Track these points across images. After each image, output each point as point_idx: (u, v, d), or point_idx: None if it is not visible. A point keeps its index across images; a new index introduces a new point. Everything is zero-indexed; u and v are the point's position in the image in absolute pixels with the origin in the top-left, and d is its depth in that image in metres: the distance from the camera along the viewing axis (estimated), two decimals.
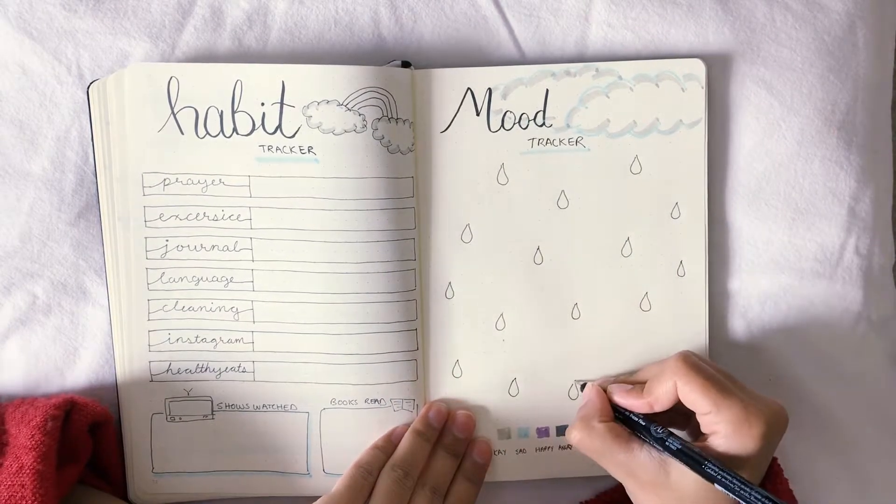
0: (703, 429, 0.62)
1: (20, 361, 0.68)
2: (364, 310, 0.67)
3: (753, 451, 0.59)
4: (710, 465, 0.59)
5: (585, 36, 0.69)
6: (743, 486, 0.58)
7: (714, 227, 0.70)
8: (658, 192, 0.68)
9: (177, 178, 0.66)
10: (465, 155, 0.68)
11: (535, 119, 0.68)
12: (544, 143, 0.68)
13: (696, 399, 0.60)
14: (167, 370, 0.68)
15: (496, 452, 0.70)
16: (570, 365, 0.69)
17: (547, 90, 0.68)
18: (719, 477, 0.58)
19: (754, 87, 0.69)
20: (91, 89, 0.66)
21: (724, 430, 0.60)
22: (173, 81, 0.66)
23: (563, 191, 0.68)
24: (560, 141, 0.68)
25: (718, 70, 0.69)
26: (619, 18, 0.69)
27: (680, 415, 0.64)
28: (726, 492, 0.58)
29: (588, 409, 0.65)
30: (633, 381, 0.67)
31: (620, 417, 0.65)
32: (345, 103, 0.65)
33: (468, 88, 0.67)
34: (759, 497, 0.57)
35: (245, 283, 0.67)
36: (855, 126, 0.70)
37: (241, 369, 0.68)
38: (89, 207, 0.68)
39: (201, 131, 0.66)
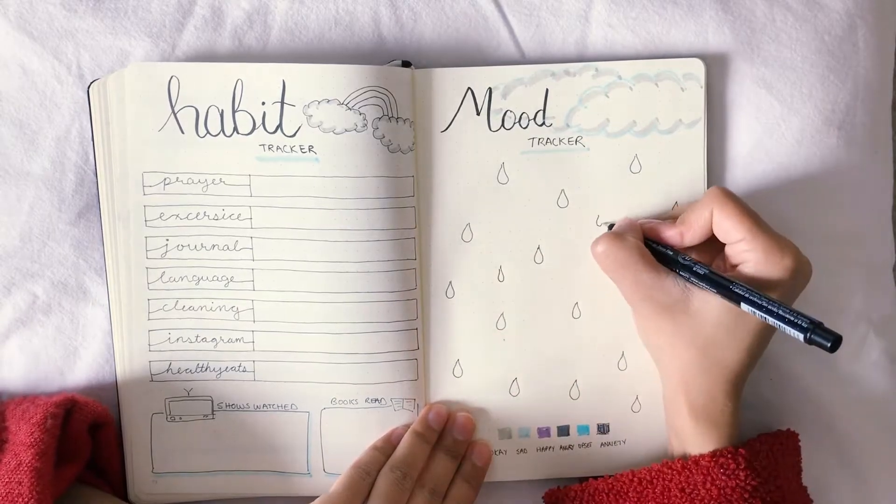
0: (733, 259, 0.63)
1: (20, 361, 0.68)
2: (364, 309, 0.67)
3: (783, 282, 0.60)
4: (738, 286, 0.59)
5: (585, 36, 0.69)
6: (770, 304, 0.58)
7: None
8: (658, 192, 0.68)
9: (177, 178, 0.66)
10: (465, 154, 0.68)
11: (535, 119, 0.68)
12: (544, 142, 0.68)
13: (732, 226, 0.61)
14: (167, 370, 0.68)
15: (497, 452, 0.70)
16: (571, 364, 0.69)
17: (547, 90, 0.68)
18: (747, 296, 0.59)
19: (754, 87, 0.69)
20: (91, 89, 0.66)
21: (756, 257, 0.61)
22: (174, 81, 0.66)
23: (562, 190, 0.68)
24: (560, 140, 0.68)
25: (718, 70, 0.69)
26: (619, 18, 0.69)
27: (705, 254, 0.65)
28: (753, 309, 0.58)
29: (621, 227, 0.66)
30: (666, 217, 0.68)
31: (650, 249, 0.65)
32: (345, 102, 0.65)
33: (468, 88, 0.68)
34: (787, 311, 0.57)
35: (245, 283, 0.67)
36: (855, 126, 0.70)
37: (241, 369, 0.68)
38: (89, 207, 0.68)
39: (202, 130, 0.66)
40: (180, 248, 0.67)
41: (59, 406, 0.64)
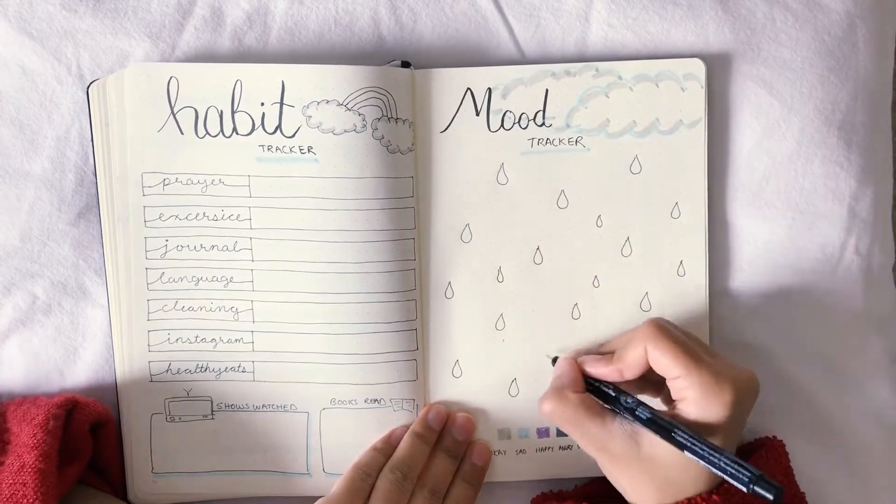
0: (674, 395, 0.61)
1: (20, 361, 0.68)
2: (364, 310, 0.67)
3: (724, 418, 0.59)
4: (680, 433, 0.58)
5: (585, 36, 0.69)
6: (713, 453, 0.57)
7: (714, 226, 0.70)
8: (658, 192, 0.68)
9: (176, 178, 0.66)
10: (464, 155, 0.68)
11: (534, 119, 0.68)
12: (544, 142, 0.68)
13: (667, 363, 0.60)
14: (167, 370, 0.68)
15: (496, 452, 0.70)
16: None
17: (546, 90, 0.68)
18: (689, 444, 0.58)
19: (754, 87, 0.69)
20: (91, 89, 0.66)
21: (694, 395, 0.59)
22: (173, 81, 0.66)
23: (562, 191, 0.68)
24: (560, 141, 0.68)
25: (718, 70, 0.69)
26: (620, 18, 0.69)
27: (651, 384, 0.65)
28: (696, 458, 0.58)
29: (561, 380, 0.65)
30: (604, 351, 0.67)
31: (592, 389, 0.64)
32: (344, 103, 0.65)
33: (468, 88, 0.67)
34: (729, 462, 0.56)
35: (245, 283, 0.67)
36: (855, 126, 0.70)
37: (240, 369, 0.68)
38: (89, 207, 0.68)
39: (201, 131, 0.66)
40: (180, 248, 0.67)
41: (61, 407, 0.64)
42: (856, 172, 0.70)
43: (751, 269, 0.70)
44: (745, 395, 0.60)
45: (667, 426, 0.59)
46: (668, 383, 0.61)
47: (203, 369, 0.68)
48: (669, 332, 0.61)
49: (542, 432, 0.70)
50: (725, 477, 0.57)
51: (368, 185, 0.66)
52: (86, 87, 0.67)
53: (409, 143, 0.67)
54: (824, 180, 0.70)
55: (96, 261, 0.68)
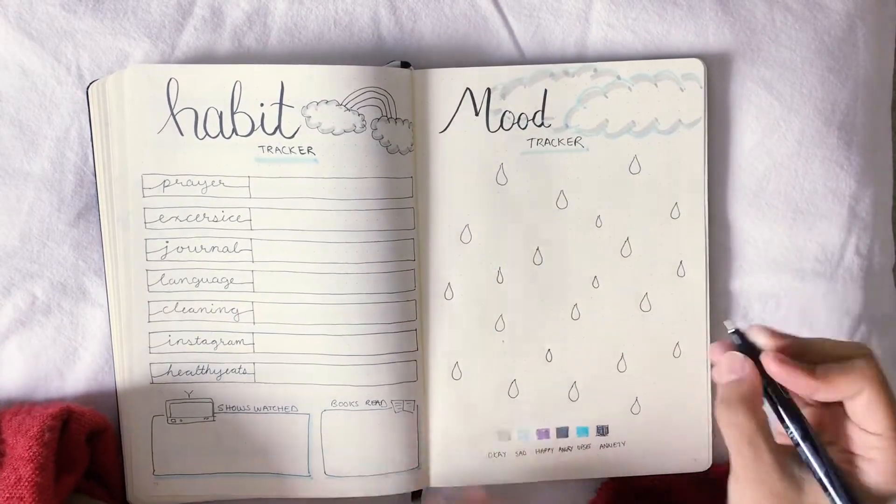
0: (856, 447, 0.55)
1: (20, 362, 0.68)
2: (363, 310, 0.67)
3: None
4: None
5: (585, 36, 0.69)
6: None
7: (714, 227, 0.70)
8: (657, 192, 0.68)
9: (176, 180, 0.66)
10: (464, 155, 0.68)
11: (533, 119, 0.68)
12: (543, 143, 0.68)
13: (879, 419, 0.54)
14: (167, 372, 0.68)
15: (496, 454, 0.70)
16: (570, 366, 0.69)
17: (545, 90, 0.68)
18: None
19: (754, 87, 0.69)
20: (91, 90, 0.66)
21: (884, 462, 0.54)
22: (172, 82, 0.66)
23: (562, 191, 0.68)
24: (559, 141, 0.68)
25: (718, 70, 0.69)
26: (619, 18, 0.69)
27: (814, 407, 0.59)
28: None
29: (754, 386, 0.56)
30: (804, 350, 0.57)
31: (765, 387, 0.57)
32: (344, 103, 0.65)
33: (467, 88, 0.67)
34: None
35: (245, 284, 0.67)
36: (855, 126, 0.70)
37: (241, 371, 0.68)
38: (89, 208, 0.68)
39: (201, 132, 0.66)
40: (180, 249, 0.67)
41: (56, 418, 0.63)
42: (856, 172, 0.70)
43: (751, 269, 0.70)
44: None
45: (845, 490, 0.53)
46: (857, 434, 0.55)
47: (204, 371, 0.68)
48: (888, 384, 0.55)
49: (542, 433, 0.70)
50: None
51: (368, 186, 0.66)
52: (85, 87, 0.67)
53: (408, 144, 0.67)
54: (824, 180, 0.70)
55: (96, 261, 0.68)
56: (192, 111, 0.66)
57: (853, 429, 0.56)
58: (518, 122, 0.68)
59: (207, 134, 0.66)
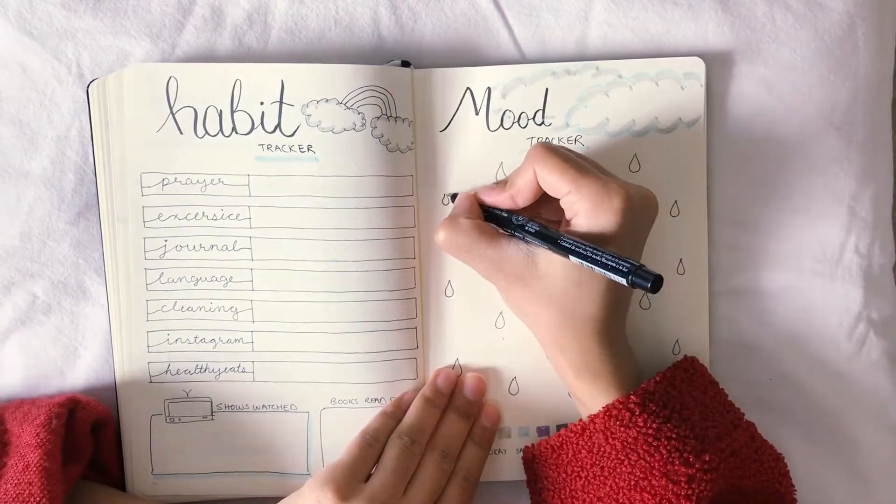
0: (567, 214, 0.61)
1: (20, 361, 0.68)
2: (364, 308, 0.67)
3: (615, 227, 0.59)
4: (566, 239, 0.59)
5: (585, 36, 0.69)
6: (595, 251, 0.57)
7: (714, 225, 0.70)
8: (657, 191, 0.67)
9: (175, 178, 0.66)
10: (464, 154, 0.68)
11: (534, 118, 0.68)
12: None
13: (555, 181, 0.60)
14: (166, 371, 0.68)
15: (496, 451, 0.69)
16: None
17: (546, 89, 0.68)
18: (573, 248, 0.58)
19: (754, 87, 0.69)
20: (91, 89, 0.66)
21: (584, 207, 0.60)
22: (172, 81, 0.66)
23: None
24: (559, 139, 0.68)
25: (718, 69, 0.69)
26: (619, 18, 0.69)
27: (551, 211, 0.64)
28: (580, 261, 0.58)
29: (455, 210, 0.65)
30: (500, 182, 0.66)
31: (488, 218, 0.65)
32: (343, 102, 0.65)
33: (467, 88, 0.68)
34: (610, 258, 0.57)
35: (244, 283, 0.67)
36: (855, 126, 0.70)
37: (240, 369, 0.68)
38: (89, 207, 0.68)
39: (200, 131, 0.66)
40: (179, 248, 0.67)
41: (63, 406, 0.64)
42: (855, 172, 0.70)
43: (750, 268, 0.70)
44: (638, 206, 0.60)
45: (553, 235, 0.60)
46: (561, 203, 0.61)
47: (202, 370, 0.68)
48: (557, 151, 0.61)
49: (543, 431, 0.70)
50: (607, 273, 0.57)
51: (368, 184, 0.66)
52: (86, 86, 0.67)
53: (408, 142, 0.67)
54: (824, 180, 0.70)
55: (96, 260, 0.68)
56: (192, 110, 0.66)
57: (563, 203, 0.61)
58: (518, 121, 0.68)
59: (207, 132, 0.66)
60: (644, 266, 0.56)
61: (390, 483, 0.62)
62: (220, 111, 0.66)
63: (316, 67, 0.65)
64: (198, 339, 0.68)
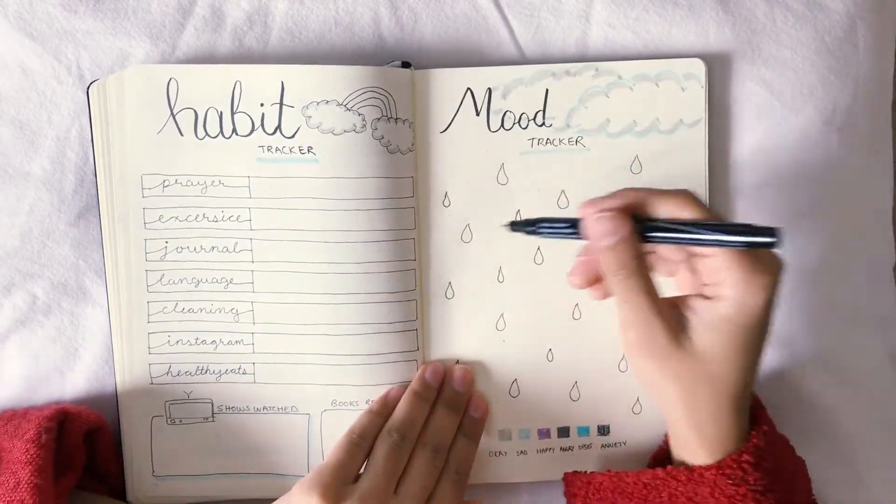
0: (705, 277, 0.58)
1: (20, 362, 0.68)
2: (364, 310, 0.67)
3: (764, 304, 0.56)
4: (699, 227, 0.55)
5: (586, 36, 0.69)
6: (727, 225, 0.55)
7: None
8: None
9: (176, 180, 0.66)
10: (464, 155, 0.68)
11: (534, 119, 0.68)
12: (544, 142, 0.68)
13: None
14: (167, 372, 0.68)
15: (497, 454, 0.69)
16: (571, 366, 0.69)
17: (547, 90, 0.68)
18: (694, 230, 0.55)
19: (755, 87, 0.69)
20: (91, 90, 0.66)
21: (734, 277, 0.56)
22: (172, 83, 0.66)
23: (563, 191, 0.68)
24: (560, 141, 0.68)
25: (719, 70, 0.69)
26: (620, 18, 0.69)
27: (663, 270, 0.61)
28: (708, 235, 0.55)
29: (625, 228, 0.58)
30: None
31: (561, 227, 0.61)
32: (344, 103, 0.65)
33: (468, 88, 0.67)
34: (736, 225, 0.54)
35: (245, 285, 0.67)
36: (855, 126, 0.70)
37: (241, 371, 0.68)
38: (89, 208, 0.68)
39: (201, 132, 0.66)
40: (179, 250, 0.67)
41: (52, 419, 0.63)
42: (856, 172, 0.70)
43: None
44: (780, 278, 0.57)
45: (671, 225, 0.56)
46: (700, 265, 0.58)
47: (203, 371, 0.68)
48: (703, 203, 0.57)
49: (543, 433, 0.70)
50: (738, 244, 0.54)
51: (368, 186, 0.66)
52: (86, 87, 0.67)
53: (409, 143, 0.67)
54: (825, 180, 0.70)
55: (96, 261, 0.68)
56: (192, 111, 0.66)
57: (700, 265, 0.58)
58: (519, 121, 0.68)
59: (207, 134, 0.66)
60: (754, 224, 0.54)
61: (381, 482, 0.62)
62: (221, 113, 0.66)
63: (316, 69, 0.65)
64: (198, 341, 0.68)
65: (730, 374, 0.57)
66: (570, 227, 0.59)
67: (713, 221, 0.55)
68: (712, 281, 0.57)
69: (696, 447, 0.59)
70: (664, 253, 0.61)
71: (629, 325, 0.58)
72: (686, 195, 0.57)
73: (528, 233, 0.60)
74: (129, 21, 0.67)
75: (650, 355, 0.58)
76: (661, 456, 0.66)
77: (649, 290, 0.57)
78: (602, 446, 0.70)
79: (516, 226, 0.61)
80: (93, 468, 0.68)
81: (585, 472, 0.65)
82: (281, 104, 0.66)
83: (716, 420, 0.58)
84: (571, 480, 0.66)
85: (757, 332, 0.57)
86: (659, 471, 0.61)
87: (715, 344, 0.57)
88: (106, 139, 0.66)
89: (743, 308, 0.56)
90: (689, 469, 0.59)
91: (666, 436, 0.65)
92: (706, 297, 0.57)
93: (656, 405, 0.61)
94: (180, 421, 0.68)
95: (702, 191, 0.68)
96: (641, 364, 0.59)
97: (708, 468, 0.58)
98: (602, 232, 0.57)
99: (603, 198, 0.58)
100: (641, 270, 0.57)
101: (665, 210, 0.57)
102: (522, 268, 0.69)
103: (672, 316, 0.58)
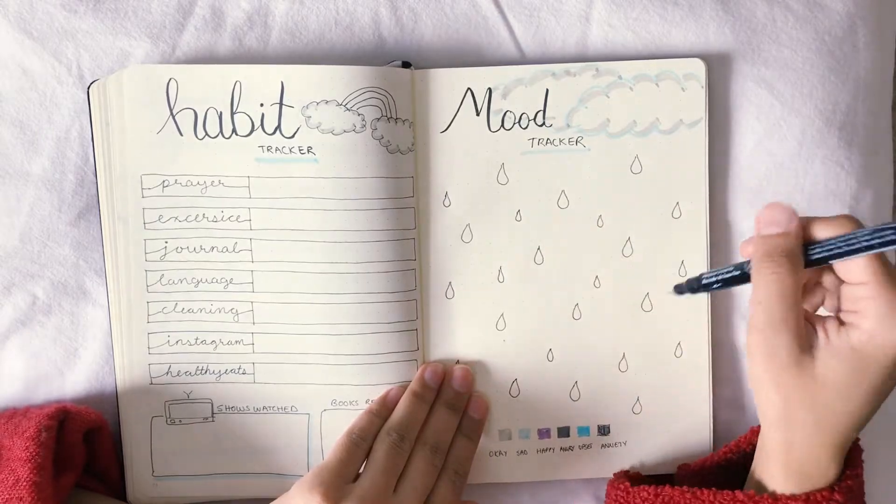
0: (845, 304, 0.56)
1: (20, 362, 0.68)
2: (364, 310, 0.67)
3: None
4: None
5: (586, 36, 0.69)
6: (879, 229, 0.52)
7: (715, 226, 0.69)
8: (659, 192, 0.68)
9: (176, 180, 0.66)
10: (465, 155, 0.68)
11: (535, 119, 0.68)
12: (544, 143, 0.68)
13: (859, 264, 0.54)
14: (167, 373, 0.68)
15: (497, 453, 0.69)
16: (572, 366, 0.69)
17: (547, 90, 0.68)
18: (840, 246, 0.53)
19: (755, 87, 0.69)
20: (91, 90, 0.66)
21: (876, 310, 0.54)
22: (172, 83, 0.66)
23: (563, 191, 0.68)
24: (560, 141, 0.68)
25: (719, 70, 0.69)
26: (620, 18, 0.69)
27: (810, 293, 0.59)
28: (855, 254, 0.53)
29: (797, 238, 0.56)
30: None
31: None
32: (344, 103, 0.65)
33: (468, 88, 0.67)
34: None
35: (245, 285, 0.67)
36: (855, 126, 0.70)
37: (241, 371, 0.68)
38: (89, 208, 0.68)
39: (200, 132, 0.66)
40: (179, 250, 0.67)
41: (52, 417, 0.63)
42: (856, 172, 0.70)
43: None
44: None
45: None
46: (845, 290, 0.56)
47: (203, 371, 0.68)
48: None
49: (543, 433, 0.70)
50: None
51: (368, 186, 0.66)
52: (86, 87, 0.67)
53: (409, 143, 0.67)
54: (825, 181, 0.70)
55: (97, 261, 0.68)
56: (192, 111, 0.66)
57: (845, 290, 0.56)
58: (519, 121, 0.68)
59: (207, 134, 0.66)
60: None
61: (380, 482, 0.62)
62: (220, 113, 0.66)
63: (316, 69, 0.65)
64: (198, 341, 0.68)
65: (843, 409, 0.55)
66: (736, 269, 0.58)
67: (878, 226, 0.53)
68: (852, 308, 0.55)
69: (781, 471, 0.57)
70: (815, 279, 0.58)
71: (756, 329, 0.56)
72: (848, 218, 0.55)
73: (695, 291, 0.59)
74: (130, 21, 0.67)
75: (767, 367, 0.56)
76: (720, 460, 0.65)
77: (787, 297, 0.55)
78: (602, 446, 0.70)
79: (682, 289, 0.60)
80: (92, 468, 0.68)
81: (650, 485, 0.63)
82: (281, 104, 0.66)
83: (812, 451, 0.57)
84: (635, 492, 0.64)
85: (885, 373, 0.54)
86: (739, 493, 0.58)
87: (837, 373, 0.55)
88: (106, 139, 0.66)
89: (877, 342, 0.54)
90: (774, 498, 0.57)
91: (729, 444, 0.64)
92: (841, 323, 0.56)
93: (757, 409, 0.59)
94: (180, 421, 0.68)
95: (702, 191, 0.68)
96: (755, 371, 0.57)
97: (794, 499, 0.56)
98: (769, 220, 0.56)
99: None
100: (790, 275, 0.55)
101: (828, 235, 0.55)
102: (522, 268, 0.69)
103: (801, 333, 0.55)
